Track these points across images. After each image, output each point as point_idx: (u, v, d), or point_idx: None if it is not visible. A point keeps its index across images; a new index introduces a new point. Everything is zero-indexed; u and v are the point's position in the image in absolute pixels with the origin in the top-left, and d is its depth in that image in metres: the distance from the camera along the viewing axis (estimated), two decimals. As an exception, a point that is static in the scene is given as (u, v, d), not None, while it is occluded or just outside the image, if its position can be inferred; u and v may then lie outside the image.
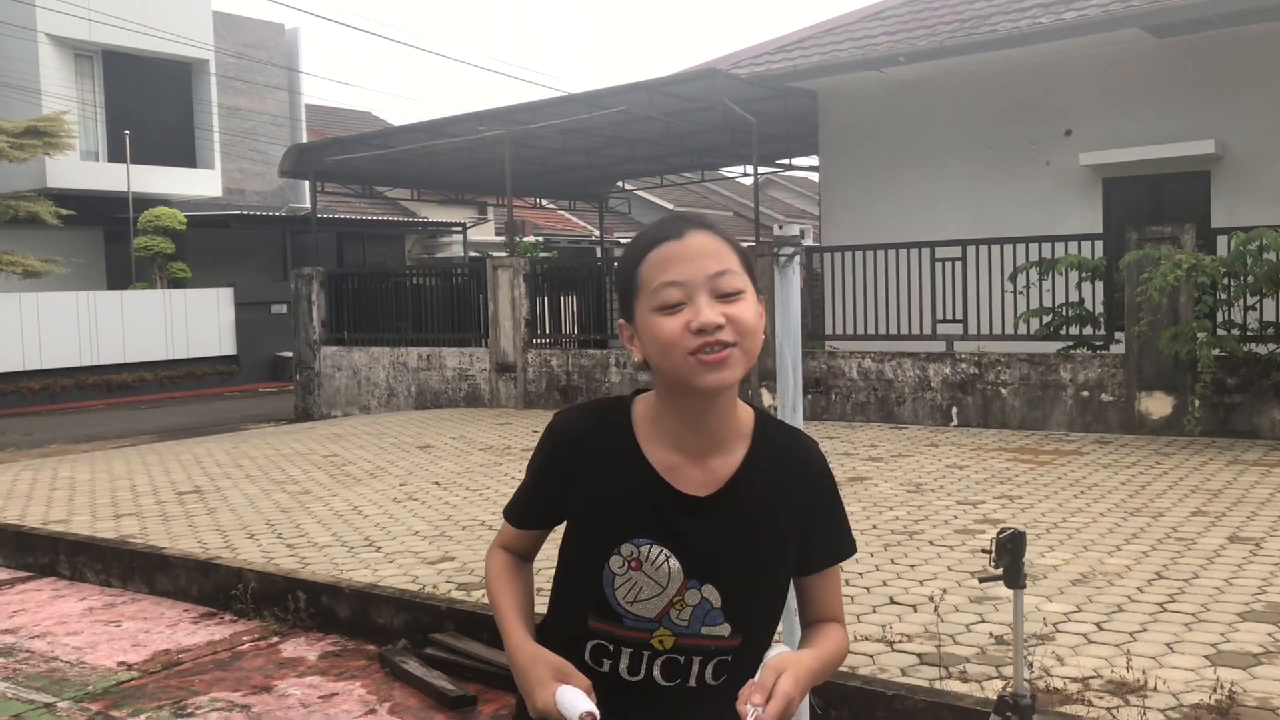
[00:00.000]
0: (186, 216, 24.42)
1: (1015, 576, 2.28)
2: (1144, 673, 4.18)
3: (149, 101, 26.24)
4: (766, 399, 12.49)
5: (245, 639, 5.59)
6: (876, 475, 8.67)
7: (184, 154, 27.10)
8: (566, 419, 1.74)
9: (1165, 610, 5.01)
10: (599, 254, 36.24)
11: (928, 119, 13.99)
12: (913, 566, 5.94)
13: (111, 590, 6.71)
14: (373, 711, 4.53)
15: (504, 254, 14.61)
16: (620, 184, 21.99)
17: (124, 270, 25.12)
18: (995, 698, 2.81)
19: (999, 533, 2.27)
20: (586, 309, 14.38)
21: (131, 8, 24.71)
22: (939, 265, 11.40)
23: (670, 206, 41.67)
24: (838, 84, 14.06)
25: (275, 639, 5.56)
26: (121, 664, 5.28)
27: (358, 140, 17.01)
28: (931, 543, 6.45)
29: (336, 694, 4.76)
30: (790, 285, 2.89)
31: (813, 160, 16.77)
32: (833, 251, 12.47)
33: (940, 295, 11.40)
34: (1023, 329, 10.93)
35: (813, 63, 13.23)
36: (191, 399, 22.37)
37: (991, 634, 4.76)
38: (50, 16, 23.66)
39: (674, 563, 1.62)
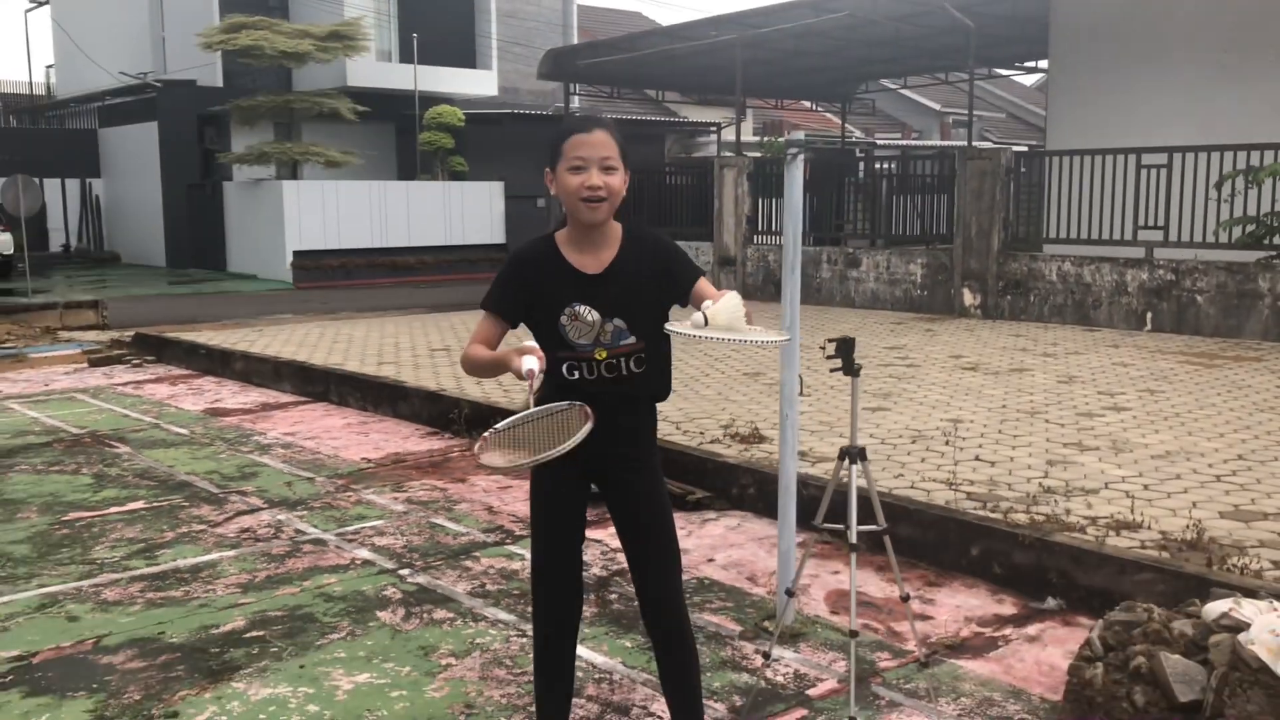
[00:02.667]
0: (465, 114, 26.72)
1: (849, 367, 3.24)
2: (1145, 516, 4.94)
3: (435, 5, 28.63)
4: (968, 297, 13.06)
5: (455, 450, 7.18)
6: (1038, 368, 9.27)
7: (465, 55, 29.41)
8: (520, 247, 2.99)
9: (1219, 481, 5.63)
10: (858, 153, 36.46)
11: (1164, 20, 13.71)
12: (1015, 436, 6.72)
13: (365, 413, 8.54)
14: (532, 499, 5.96)
15: (746, 153, 15.61)
16: (864, 86, 22.24)
17: (411, 162, 27.87)
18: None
19: (837, 338, 3.23)
20: (805, 208, 15.22)
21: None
22: (1144, 171, 11.51)
23: (936, 106, 40.97)
24: (1070, -15, 14.00)
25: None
26: (364, 459, 7.00)
27: (606, 45, 18.34)
28: (1047, 421, 7.16)
29: (511, 487, 6.23)
30: (794, 178, 3.89)
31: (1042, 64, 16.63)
32: (1040, 156, 12.71)
33: (1144, 201, 11.53)
34: (1224, 237, 10.96)
35: (1038, -35, 13.29)
36: (464, 281, 24.81)
37: (1042, 485, 5.57)
38: (352, -71, 26.23)
39: (594, 313, 2.84)
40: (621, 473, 2.94)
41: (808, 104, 30.10)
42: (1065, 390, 8.23)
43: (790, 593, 3.54)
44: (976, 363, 9.60)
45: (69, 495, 6.20)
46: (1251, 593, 3.62)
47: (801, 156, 3.90)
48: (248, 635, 4.12)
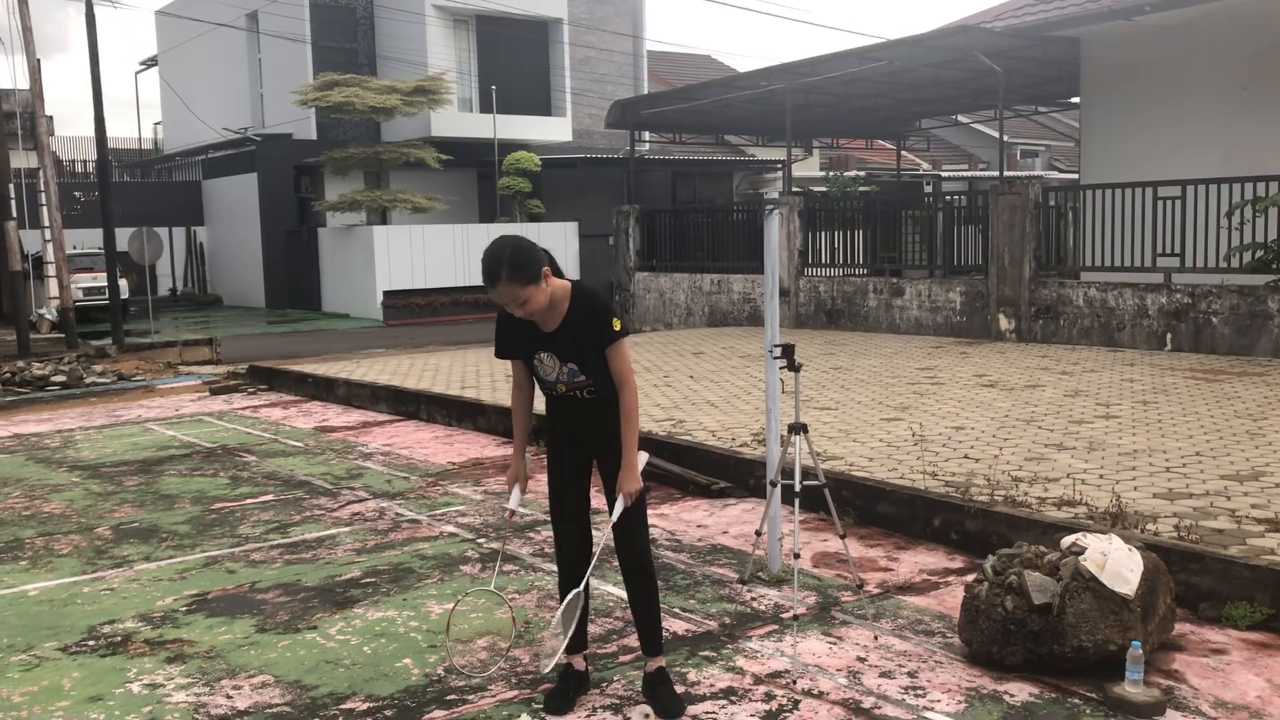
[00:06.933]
0: (541, 159, 28.32)
1: (791, 364, 4.38)
2: (1086, 496, 5.97)
3: (512, 58, 30.41)
4: (1003, 322, 14.02)
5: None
6: (1051, 385, 10.23)
7: (541, 103, 31.11)
8: (501, 312, 4.00)
9: (1167, 472, 6.61)
10: (928, 187, 37.34)
11: (1185, 60, 14.59)
12: (1005, 440, 7.75)
13: (450, 427, 9.90)
14: (586, 491, 7.21)
15: (821, 190, 16.77)
16: (916, 123, 23.30)
17: (491, 205, 29.58)
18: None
19: (782, 344, 4.36)
20: (852, 243, 16.33)
21: (499, -23, 28.71)
22: (1160, 203, 12.41)
23: (996, 135, 41.57)
24: (1099, 30, 14.94)
25: (542, 455, 8.37)
26: (449, 462, 8.33)
27: (667, 95, 19.74)
28: (1039, 427, 8.16)
29: (569, 483, 7.49)
30: (771, 230, 5.09)
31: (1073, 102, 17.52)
32: (1067, 190, 13.66)
33: (1161, 231, 12.42)
34: (1235, 263, 11.80)
35: (1064, 14, 14.29)
36: (540, 316, 26.26)
37: (1012, 476, 6.61)
38: (436, -8, 28.13)
39: (554, 359, 3.92)
40: (606, 447, 4.03)
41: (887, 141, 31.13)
42: (1068, 403, 9.19)
43: (759, 532, 4.70)
44: (996, 380, 10.59)
45: (212, 491, 7.62)
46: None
47: (778, 212, 5.10)
48: (364, 581, 5.42)
